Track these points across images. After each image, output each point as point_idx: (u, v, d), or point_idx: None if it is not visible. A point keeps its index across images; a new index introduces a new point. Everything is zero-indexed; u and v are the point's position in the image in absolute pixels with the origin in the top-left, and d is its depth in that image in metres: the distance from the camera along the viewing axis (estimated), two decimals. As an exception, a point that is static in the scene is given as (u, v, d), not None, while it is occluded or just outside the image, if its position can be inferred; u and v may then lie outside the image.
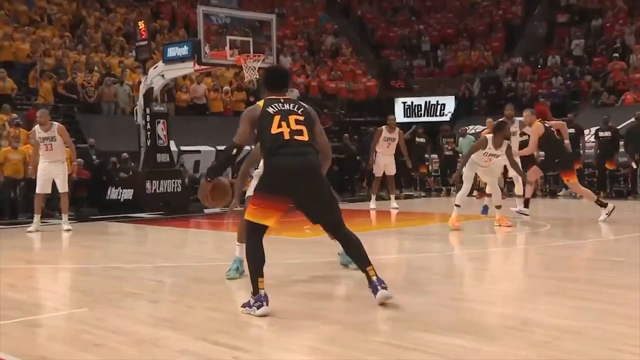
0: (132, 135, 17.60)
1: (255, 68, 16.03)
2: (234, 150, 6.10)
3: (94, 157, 17.84)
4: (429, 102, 28.48)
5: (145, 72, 18.11)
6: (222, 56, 16.14)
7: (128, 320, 5.60)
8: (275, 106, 6.05)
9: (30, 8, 26.03)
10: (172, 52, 16.64)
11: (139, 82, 18.43)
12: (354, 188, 21.57)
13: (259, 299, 5.67)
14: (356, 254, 6.15)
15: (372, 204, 16.21)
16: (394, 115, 19.09)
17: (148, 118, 16.96)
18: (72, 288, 7.42)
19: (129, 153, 17.86)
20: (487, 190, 13.05)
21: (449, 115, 27.44)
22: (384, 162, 16.08)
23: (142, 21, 19.72)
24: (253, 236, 6.13)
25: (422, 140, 21.72)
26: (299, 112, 6.10)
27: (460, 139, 21.28)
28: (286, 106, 6.07)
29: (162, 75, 17.04)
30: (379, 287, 5.87)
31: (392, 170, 16.30)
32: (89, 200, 17.07)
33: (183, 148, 19.32)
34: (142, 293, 6.90)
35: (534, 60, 29.46)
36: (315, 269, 8.25)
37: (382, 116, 21.22)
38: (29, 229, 12.87)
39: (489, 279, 7.61)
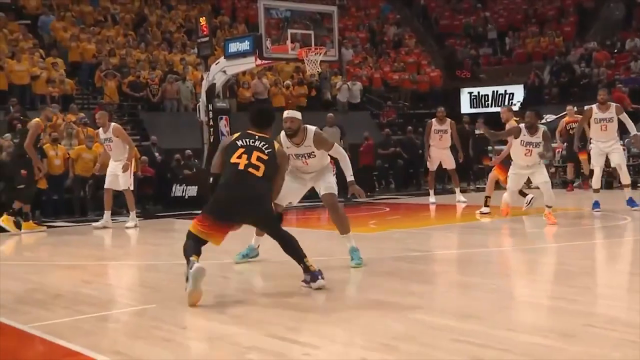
0: (195, 132, 17.83)
1: (317, 61, 16.08)
2: (211, 179, 6.76)
3: (157, 154, 18.13)
4: (497, 91, 28.04)
5: (207, 69, 18.30)
6: (284, 50, 16.21)
7: (197, 316, 5.71)
8: (246, 141, 6.55)
9: (95, 8, 26.55)
10: (233, 47, 16.80)
11: (201, 79, 18.63)
12: (419, 182, 21.43)
13: (190, 264, 6.15)
14: (293, 249, 6.65)
15: (432, 198, 15.85)
16: (461, 106, 18.82)
17: (210, 114, 17.16)
18: (142, 284, 7.57)
19: (192, 150, 18.07)
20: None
21: (518, 104, 26.93)
22: (438, 155, 15.67)
23: (203, 18, 19.94)
24: (190, 240, 6.58)
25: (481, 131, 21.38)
26: (266, 152, 6.53)
27: None
28: (257, 143, 6.55)
29: (224, 71, 17.21)
30: (319, 278, 6.47)
31: (450, 164, 15.85)
32: (154, 197, 17.33)
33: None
34: (210, 289, 6.97)
35: (611, 44, 28.51)
36: (384, 264, 8.25)
37: (448, 107, 21.06)
38: (96, 224, 13.18)
39: (572, 275, 7.42)
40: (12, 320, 5.80)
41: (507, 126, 12.92)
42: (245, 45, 16.43)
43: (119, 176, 13.13)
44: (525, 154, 11.15)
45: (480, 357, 4.29)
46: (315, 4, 20.10)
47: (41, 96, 19.69)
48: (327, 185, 8.07)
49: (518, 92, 27.56)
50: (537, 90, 27.24)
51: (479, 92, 28.41)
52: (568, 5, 32.46)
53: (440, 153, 15.61)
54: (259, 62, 16.62)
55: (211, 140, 17.11)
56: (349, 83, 25.42)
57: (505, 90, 27.88)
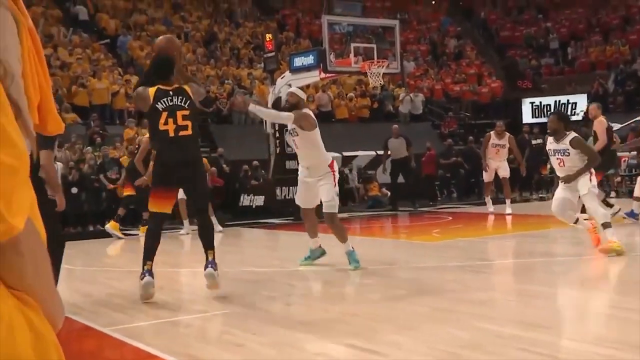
0: (261, 144, 17.97)
1: (379, 74, 16.08)
2: None
3: (224, 165, 18.34)
4: (559, 101, 27.56)
5: (273, 83, 18.45)
6: (347, 64, 16.27)
7: (266, 323, 5.74)
8: (165, 102, 6.73)
9: (169, 28, 27.03)
10: (298, 61, 16.90)
11: (267, 93, 18.79)
12: (480, 191, 21.23)
13: (143, 272, 6.71)
14: (207, 237, 7.09)
15: (490, 207, 15.63)
16: (522, 116, 18.48)
17: (276, 127, 17.28)
18: (212, 291, 7.67)
19: (259, 161, 18.22)
20: None
21: (581, 114, 26.45)
22: (494, 167, 15.42)
23: (269, 34, 20.14)
24: (153, 222, 7.07)
25: (539, 141, 21.08)
26: (186, 106, 6.78)
27: (591, 139, 20.39)
28: (175, 100, 6.76)
29: (289, 85, 17.29)
30: (209, 266, 6.88)
31: (505, 172, 15.48)
32: (223, 206, 17.50)
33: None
34: (277, 296, 7.05)
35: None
36: (448, 273, 8.21)
37: (509, 118, 20.90)
38: (181, 232, 13.59)
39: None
40: (93, 323, 5.95)
41: (596, 122, 12.69)
42: (309, 60, 16.52)
43: None
44: (559, 165, 9.54)
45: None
46: (377, 19, 20.12)
47: (119, 111, 20.12)
48: (328, 203, 8.38)
49: (581, 102, 26.96)
50: (602, 99, 26.46)
51: (541, 102, 27.98)
52: (633, 13, 31.67)
53: (497, 164, 15.44)
54: (323, 75, 16.69)
55: (277, 151, 17.23)
56: (411, 95, 25.36)
57: (568, 100, 27.37)
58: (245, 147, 19.39)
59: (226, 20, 29.56)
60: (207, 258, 6.94)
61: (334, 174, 8.54)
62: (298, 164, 17.64)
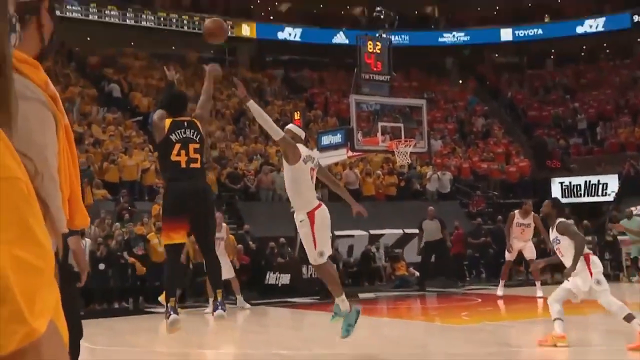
0: (288, 221, 17.92)
1: (406, 153, 16.12)
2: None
3: (250, 242, 18.35)
4: (589, 181, 27.31)
5: (301, 160, 18.56)
6: (374, 142, 16.33)
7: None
8: (178, 134, 6.98)
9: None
10: (326, 140, 17.01)
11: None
12: (511, 272, 20.96)
13: (168, 310, 6.87)
14: (215, 276, 7.19)
15: (500, 291, 14.89)
16: (551, 196, 18.20)
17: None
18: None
19: (285, 238, 18.18)
20: None
21: (613, 195, 26.22)
22: (518, 247, 14.87)
23: (298, 112, 20.40)
24: (170, 256, 7.20)
25: (571, 221, 20.78)
26: (197, 139, 7.04)
27: (625, 220, 19.82)
28: (188, 133, 7.02)
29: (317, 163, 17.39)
30: (219, 307, 6.99)
31: (531, 254, 14.82)
32: (249, 284, 17.41)
33: (337, 233, 19.46)
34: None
35: None
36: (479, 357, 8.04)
37: (537, 197, 20.65)
38: (206, 310, 13.37)
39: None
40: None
41: None
42: (337, 138, 16.62)
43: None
44: (560, 255, 8.72)
45: None
46: (405, 98, 20.25)
47: (149, 187, 20.31)
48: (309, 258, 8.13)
49: (612, 182, 26.74)
50: (633, 180, 26.39)
51: (570, 182, 27.76)
52: (662, 95, 31.84)
53: (521, 245, 14.95)
54: (350, 153, 16.75)
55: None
56: (438, 173, 25.36)
57: (599, 180, 27.11)
58: (272, 224, 19.38)
59: (255, 99, 29.92)
60: (215, 298, 7.09)
61: (312, 224, 7.72)
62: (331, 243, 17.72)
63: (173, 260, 7.23)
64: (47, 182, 1.46)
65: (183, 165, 6.87)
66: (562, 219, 8.71)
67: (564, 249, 8.46)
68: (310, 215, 7.65)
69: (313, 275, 16.69)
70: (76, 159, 1.73)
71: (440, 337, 9.30)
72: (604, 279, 8.48)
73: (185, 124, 7.06)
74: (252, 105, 7.71)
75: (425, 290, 17.52)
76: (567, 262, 8.37)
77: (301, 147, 7.63)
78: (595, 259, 8.59)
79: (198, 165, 6.99)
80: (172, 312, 6.82)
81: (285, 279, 17.03)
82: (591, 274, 8.28)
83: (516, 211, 15.11)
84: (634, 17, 34.42)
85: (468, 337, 9.50)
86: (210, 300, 13.69)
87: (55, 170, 1.50)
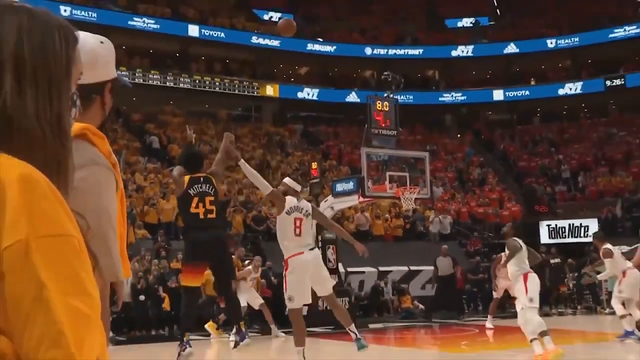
0: (306, 259, 17.90)
1: (411, 199, 16.09)
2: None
3: (272, 277, 18.26)
4: (572, 224, 27.20)
5: (317, 205, 18.54)
6: (382, 189, 16.30)
7: None
8: (196, 188, 7.05)
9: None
10: (339, 187, 17.00)
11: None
12: (503, 305, 20.73)
13: (183, 344, 6.95)
14: (235, 311, 7.32)
15: (489, 324, 14.91)
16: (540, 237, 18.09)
17: (320, 244, 17.22)
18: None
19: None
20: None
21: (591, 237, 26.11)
22: (505, 285, 14.55)
23: (315, 162, 20.40)
24: (188, 297, 7.28)
25: (557, 260, 20.67)
26: (212, 192, 7.13)
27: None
28: (204, 187, 7.10)
29: (332, 207, 17.35)
30: (245, 336, 7.22)
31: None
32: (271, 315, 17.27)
33: (349, 269, 19.40)
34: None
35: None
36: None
37: (528, 238, 20.44)
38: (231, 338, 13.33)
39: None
40: None
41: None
42: (350, 185, 16.62)
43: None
44: None
45: None
46: (410, 150, 20.25)
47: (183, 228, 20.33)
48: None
49: (593, 225, 26.57)
50: (611, 224, 26.34)
51: (556, 225, 27.63)
52: (634, 149, 31.99)
53: (508, 283, 14.77)
54: (361, 199, 16.73)
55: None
56: (440, 216, 25.32)
57: (581, 224, 27.00)
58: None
59: (277, 150, 30.12)
60: (240, 329, 7.21)
61: (285, 269, 7.65)
62: (338, 276, 17.61)
63: (190, 300, 7.30)
64: (110, 234, 1.51)
65: (201, 216, 6.99)
66: (514, 238, 8.98)
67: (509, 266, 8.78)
68: (286, 262, 7.54)
69: (327, 308, 16.56)
70: (125, 217, 1.77)
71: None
72: (537, 297, 8.53)
73: (202, 179, 7.17)
74: (243, 165, 7.64)
75: (431, 321, 17.35)
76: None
77: (290, 199, 7.36)
78: (533, 278, 8.58)
79: (214, 215, 7.14)
80: (187, 346, 6.88)
81: (303, 310, 16.86)
82: (527, 290, 8.38)
83: (502, 254, 14.90)
84: (606, 82, 34.93)
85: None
86: (272, 327, 13.70)
87: (116, 224, 1.53)
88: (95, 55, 1.82)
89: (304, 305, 7.49)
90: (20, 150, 1.17)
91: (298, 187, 7.60)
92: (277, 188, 7.72)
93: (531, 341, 8.56)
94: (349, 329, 7.41)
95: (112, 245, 1.55)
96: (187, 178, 7.11)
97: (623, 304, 11.91)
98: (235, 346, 7.12)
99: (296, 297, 7.40)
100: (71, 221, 1.16)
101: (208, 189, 7.11)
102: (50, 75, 1.23)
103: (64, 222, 1.13)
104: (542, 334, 8.36)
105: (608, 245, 12.39)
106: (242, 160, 7.72)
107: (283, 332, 13.88)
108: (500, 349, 11.56)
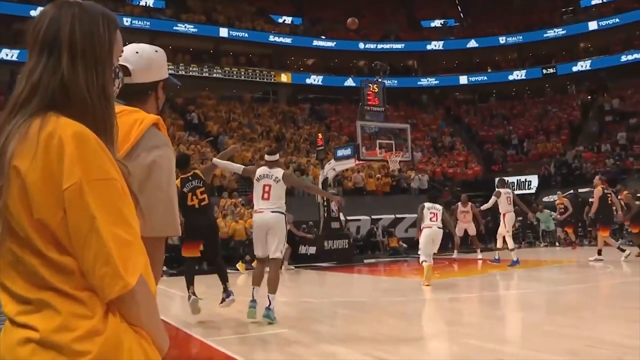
0: (314, 210, 17.94)
1: (397, 161, 16.05)
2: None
3: (287, 224, 18.31)
4: (520, 179, 27.31)
5: (322, 167, 18.53)
6: (374, 154, 16.26)
7: (316, 339, 5.59)
8: (188, 185, 7.01)
9: (252, 129, 27.54)
10: (340, 152, 16.97)
11: (318, 174, 18.84)
12: (466, 243, 20.73)
13: (189, 295, 6.87)
14: (222, 274, 7.08)
15: (455, 255, 15.28)
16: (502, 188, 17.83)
17: (324, 198, 17.25)
18: (279, 314, 7.50)
19: (313, 222, 18.15)
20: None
21: (534, 188, 26.18)
22: (463, 227, 14.80)
23: (320, 133, 20.31)
24: (188, 263, 7.35)
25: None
26: (201, 184, 7.04)
27: (538, 213, 20.04)
28: (194, 183, 7.04)
29: (334, 169, 17.35)
30: (231, 295, 6.93)
31: (472, 231, 14.91)
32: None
33: (348, 218, 19.49)
34: (324, 319, 6.90)
35: (592, 147, 28.07)
36: (445, 304, 7.93)
37: (486, 191, 20.44)
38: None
39: (576, 308, 6.97)
40: (199, 335, 5.87)
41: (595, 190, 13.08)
42: (348, 151, 16.57)
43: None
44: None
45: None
46: (395, 123, 20.13)
47: (218, 187, 20.30)
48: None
49: (534, 180, 26.81)
50: (547, 178, 26.47)
51: (507, 180, 27.59)
52: (564, 121, 32.03)
53: (465, 225, 14.86)
54: (357, 162, 16.71)
55: (325, 215, 17.15)
56: (419, 175, 25.25)
57: (526, 179, 27.15)
58: (303, 211, 19.33)
59: (291, 124, 29.98)
60: (226, 289, 7.03)
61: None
62: (340, 223, 17.59)
63: (190, 266, 7.44)
64: (175, 198, 1.55)
65: (196, 206, 7.02)
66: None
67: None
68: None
69: (332, 247, 16.66)
70: None
71: (418, 288, 9.19)
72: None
73: (190, 177, 7.14)
74: (217, 161, 7.35)
75: (410, 256, 17.40)
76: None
77: (261, 169, 6.86)
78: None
79: (207, 202, 7.09)
80: (192, 295, 6.94)
81: (312, 250, 16.97)
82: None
83: (458, 203, 15.07)
84: (543, 70, 35.41)
85: (436, 287, 9.42)
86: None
87: (174, 192, 1.57)
88: (151, 60, 1.87)
89: (263, 257, 6.64)
90: (76, 114, 1.19)
91: (271, 157, 6.91)
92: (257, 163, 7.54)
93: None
94: (268, 294, 6.39)
95: (176, 206, 1.56)
96: (178, 181, 7.00)
97: (504, 238, 12.68)
98: (221, 302, 6.99)
99: (254, 248, 6.77)
100: (115, 168, 1.18)
101: (197, 183, 7.10)
102: (96, 54, 1.25)
103: (109, 169, 1.16)
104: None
105: (501, 190, 12.90)
106: (215, 158, 7.57)
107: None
108: (463, 275, 11.62)
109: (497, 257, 12.95)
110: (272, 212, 6.62)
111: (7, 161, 1.14)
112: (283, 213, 6.72)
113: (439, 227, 9.86)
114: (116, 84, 1.34)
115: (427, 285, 9.35)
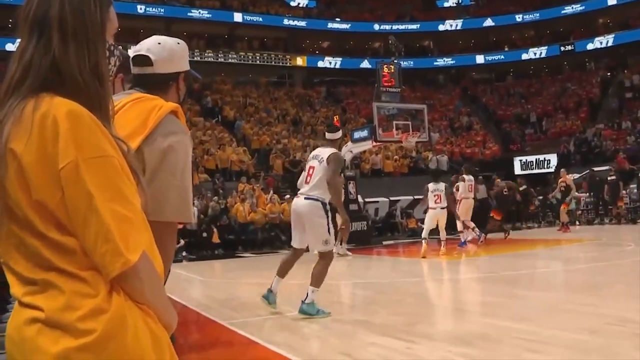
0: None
1: (413, 142, 15.95)
2: None
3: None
4: (538, 158, 27.01)
5: (339, 149, 18.44)
6: (391, 135, 16.18)
7: (334, 320, 5.55)
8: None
9: (269, 114, 27.53)
10: (357, 134, 16.90)
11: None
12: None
13: None
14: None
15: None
16: (514, 170, 17.67)
17: (343, 180, 17.21)
18: (298, 297, 7.50)
19: (330, 204, 18.07)
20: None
21: (553, 167, 25.84)
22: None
23: (337, 115, 20.24)
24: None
25: (525, 187, 20.51)
26: None
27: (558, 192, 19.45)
28: None
29: (351, 151, 17.28)
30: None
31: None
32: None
33: (367, 200, 19.46)
34: (343, 301, 6.91)
35: (612, 125, 27.48)
36: (460, 283, 7.89)
37: (504, 170, 20.30)
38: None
39: (595, 287, 6.90)
40: (217, 318, 5.92)
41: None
42: (365, 133, 16.49)
43: None
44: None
45: (532, 348, 4.01)
46: (412, 104, 19.97)
47: (237, 172, 20.39)
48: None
49: (553, 159, 26.46)
50: (566, 157, 26.09)
51: (526, 159, 27.46)
52: (583, 99, 31.39)
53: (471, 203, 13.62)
54: (374, 144, 16.63)
55: (343, 197, 17.10)
56: (437, 156, 25.08)
57: (545, 158, 26.83)
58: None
59: (307, 107, 29.90)
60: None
61: None
62: (358, 205, 17.53)
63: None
64: (189, 186, 1.59)
65: None
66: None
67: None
68: None
69: (350, 229, 16.60)
70: None
71: (437, 268, 9.18)
72: None
73: None
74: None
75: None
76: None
77: (315, 150, 6.31)
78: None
79: None
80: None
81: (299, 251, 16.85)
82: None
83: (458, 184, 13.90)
84: (561, 48, 34.76)
85: (453, 267, 9.38)
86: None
87: (190, 181, 1.59)
88: (173, 52, 1.90)
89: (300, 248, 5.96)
90: (70, 92, 1.19)
91: (328, 136, 6.33)
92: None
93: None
94: (309, 286, 5.74)
95: (190, 194, 1.59)
96: None
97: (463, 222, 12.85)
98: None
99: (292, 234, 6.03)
100: (112, 145, 1.17)
101: None
102: (87, 32, 1.23)
103: (105, 146, 1.15)
104: None
105: (465, 176, 13.19)
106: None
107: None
108: (481, 255, 11.55)
109: (474, 237, 13.03)
110: (307, 198, 5.84)
111: (3, 144, 1.14)
112: (320, 200, 5.79)
113: (442, 208, 10.15)
114: (112, 62, 1.34)
115: (423, 257, 10.22)
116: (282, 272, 6.06)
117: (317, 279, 5.76)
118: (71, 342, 1.08)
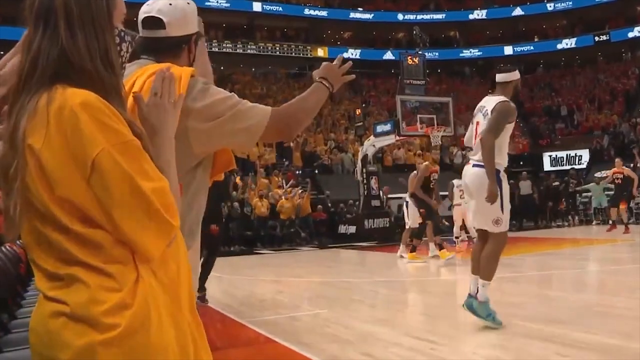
0: (354, 188, 17.91)
1: (438, 136, 15.86)
2: None
3: (329, 204, 18.34)
4: (569, 154, 26.62)
5: (361, 144, 18.45)
6: (414, 129, 16.12)
7: (355, 319, 5.59)
8: None
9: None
10: (379, 128, 16.86)
11: (358, 151, 18.78)
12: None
13: None
14: (206, 268, 6.53)
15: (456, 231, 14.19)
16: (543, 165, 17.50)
17: (364, 175, 17.20)
18: (318, 295, 7.57)
19: (352, 200, 18.15)
20: None
21: (585, 163, 25.46)
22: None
23: (358, 109, 20.21)
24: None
25: (557, 183, 20.29)
26: None
27: (593, 184, 18.49)
28: None
29: (373, 145, 17.26)
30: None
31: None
32: (327, 233, 17.44)
33: (389, 196, 19.40)
34: (364, 300, 6.91)
35: (650, 117, 26.85)
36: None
37: (533, 166, 20.04)
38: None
39: (632, 289, 6.79)
40: (236, 316, 5.95)
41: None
42: (387, 127, 16.45)
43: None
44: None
45: (561, 352, 3.94)
46: (437, 97, 19.84)
47: (253, 163, 20.47)
48: None
49: (585, 155, 26.04)
50: (599, 152, 25.62)
51: (556, 155, 27.08)
52: (617, 91, 30.69)
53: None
54: (397, 138, 16.59)
55: (365, 193, 17.11)
56: (462, 151, 24.91)
57: (576, 154, 26.42)
58: (343, 190, 19.36)
59: (328, 100, 29.81)
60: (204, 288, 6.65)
61: None
62: (380, 201, 17.45)
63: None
64: (241, 108, 1.89)
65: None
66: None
67: None
68: None
69: (372, 227, 16.62)
70: None
71: (462, 265, 9.11)
72: None
73: None
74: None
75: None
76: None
77: (483, 100, 5.36)
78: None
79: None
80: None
81: (352, 229, 16.96)
82: None
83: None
84: (595, 38, 34.11)
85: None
86: (402, 247, 11.19)
87: (238, 105, 1.90)
88: (185, 12, 1.86)
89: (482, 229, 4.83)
90: (83, 82, 1.20)
91: (501, 77, 5.28)
92: None
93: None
94: (481, 279, 4.79)
95: (251, 106, 1.97)
96: None
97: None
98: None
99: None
100: (128, 130, 1.20)
101: None
102: (93, 20, 1.24)
103: (125, 131, 1.19)
104: None
105: (454, 182, 12.86)
106: None
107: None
108: (510, 254, 11.43)
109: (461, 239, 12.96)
110: (474, 165, 4.86)
111: (21, 140, 1.16)
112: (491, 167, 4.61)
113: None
114: (124, 47, 1.35)
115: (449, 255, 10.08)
116: (473, 267, 4.97)
117: (486, 270, 4.74)
118: (96, 336, 1.10)
